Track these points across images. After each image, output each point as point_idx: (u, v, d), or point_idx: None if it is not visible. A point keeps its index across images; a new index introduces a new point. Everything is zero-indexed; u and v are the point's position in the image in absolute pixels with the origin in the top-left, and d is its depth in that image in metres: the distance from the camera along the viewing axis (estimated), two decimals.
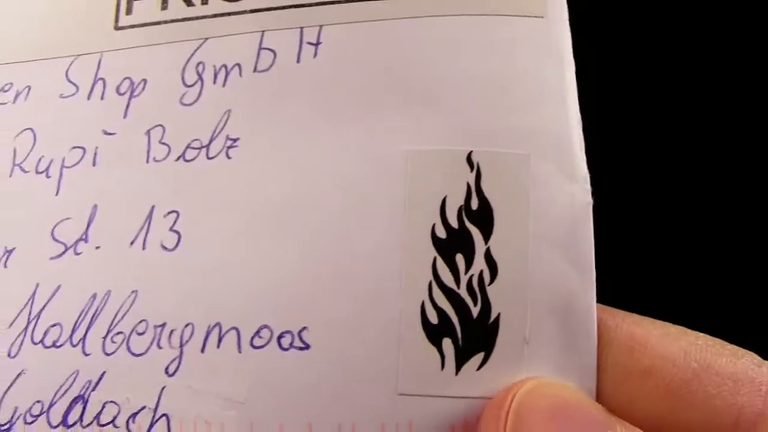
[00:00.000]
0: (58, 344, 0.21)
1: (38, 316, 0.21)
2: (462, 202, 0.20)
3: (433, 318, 0.20)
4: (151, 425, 0.20)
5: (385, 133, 0.21)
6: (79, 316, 0.21)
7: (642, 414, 0.19)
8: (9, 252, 0.22)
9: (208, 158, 0.22)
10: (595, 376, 0.20)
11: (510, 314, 0.20)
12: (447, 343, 0.20)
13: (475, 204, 0.20)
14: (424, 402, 0.20)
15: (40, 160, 0.22)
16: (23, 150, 0.23)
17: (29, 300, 0.22)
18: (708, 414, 0.20)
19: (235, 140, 0.22)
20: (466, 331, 0.20)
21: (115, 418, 0.21)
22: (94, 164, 0.22)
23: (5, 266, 0.22)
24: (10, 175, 0.23)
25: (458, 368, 0.20)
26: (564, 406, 0.19)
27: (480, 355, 0.20)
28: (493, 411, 0.20)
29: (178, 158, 0.22)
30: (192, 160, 0.22)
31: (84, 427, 0.21)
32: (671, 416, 0.20)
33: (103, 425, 0.21)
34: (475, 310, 0.20)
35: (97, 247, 0.22)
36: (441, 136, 0.21)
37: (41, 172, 0.22)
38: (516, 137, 0.20)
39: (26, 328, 0.21)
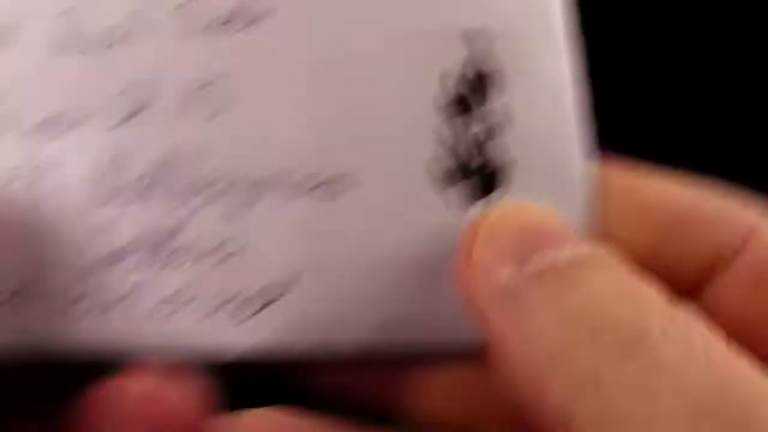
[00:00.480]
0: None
1: (104, 176, 0.25)
2: (459, 73, 0.24)
3: (439, 170, 0.24)
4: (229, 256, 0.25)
5: (387, 12, 0.24)
6: (145, 177, 0.25)
7: (630, 249, 0.21)
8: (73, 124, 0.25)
9: (242, 29, 0.24)
10: (584, 211, 0.23)
11: (506, 165, 0.24)
12: (452, 192, 0.24)
13: (470, 74, 0.24)
14: (435, 233, 0.24)
15: (68, 37, 0.25)
16: (53, 28, 0.25)
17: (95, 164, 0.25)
18: (689, 249, 0.22)
19: (265, 11, 0.24)
20: (469, 180, 0.24)
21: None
22: (126, 42, 0.25)
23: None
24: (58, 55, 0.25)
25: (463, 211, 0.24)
26: (539, 224, 0.21)
27: (481, 202, 0.24)
28: (475, 222, 0.23)
29: (211, 32, 0.24)
30: (226, 33, 0.24)
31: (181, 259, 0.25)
32: (660, 251, 0.22)
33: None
34: (474, 163, 0.24)
35: (147, 117, 0.25)
36: (440, 14, 0.24)
37: (75, 50, 0.25)
38: (505, 15, 0.24)
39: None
